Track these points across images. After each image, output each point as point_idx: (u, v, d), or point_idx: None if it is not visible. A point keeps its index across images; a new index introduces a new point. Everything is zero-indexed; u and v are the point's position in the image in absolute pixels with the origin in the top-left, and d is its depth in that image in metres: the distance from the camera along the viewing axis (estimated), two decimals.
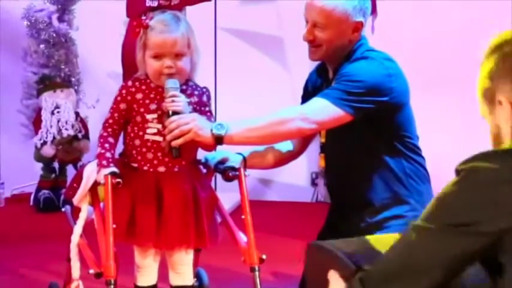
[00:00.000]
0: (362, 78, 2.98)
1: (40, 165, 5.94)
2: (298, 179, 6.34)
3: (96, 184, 3.01)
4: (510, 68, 1.84)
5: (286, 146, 3.33)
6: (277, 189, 6.48)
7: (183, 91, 3.02)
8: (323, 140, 3.30)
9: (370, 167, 3.12)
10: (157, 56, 2.99)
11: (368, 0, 3.15)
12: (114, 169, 2.91)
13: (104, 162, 2.94)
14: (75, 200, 3.09)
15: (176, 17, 3.06)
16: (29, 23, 5.86)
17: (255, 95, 6.09)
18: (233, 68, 6.39)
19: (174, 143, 2.88)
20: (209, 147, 3.01)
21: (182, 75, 3.02)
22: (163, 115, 2.95)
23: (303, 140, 3.37)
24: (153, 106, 3.00)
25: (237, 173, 3.06)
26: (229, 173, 3.07)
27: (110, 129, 3.04)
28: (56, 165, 5.93)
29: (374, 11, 4.87)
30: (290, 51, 6.29)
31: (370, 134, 3.08)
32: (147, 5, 5.10)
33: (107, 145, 3.00)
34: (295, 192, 6.38)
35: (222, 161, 3.15)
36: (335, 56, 3.13)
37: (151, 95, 3.02)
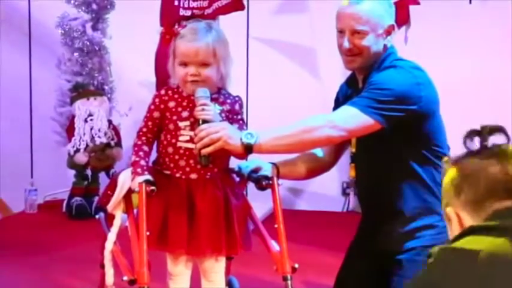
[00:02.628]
0: (391, 86, 2.98)
1: (73, 172, 5.99)
2: (328, 188, 6.34)
3: (130, 192, 3.04)
4: (455, 187, 1.98)
5: (318, 157, 3.34)
6: (307, 198, 6.48)
7: (215, 99, 3.05)
8: (353, 149, 3.29)
9: (399, 176, 3.12)
10: (183, 64, 3.03)
11: (393, 4, 3.16)
12: (149, 177, 2.94)
13: (139, 170, 2.97)
14: (109, 207, 3.12)
15: (208, 27, 3.08)
16: (63, 32, 5.92)
17: (287, 105, 6.10)
18: (265, 78, 6.41)
19: (204, 151, 2.89)
20: (240, 156, 3.02)
21: (208, 84, 3.03)
22: (195, 123, 2.96)
23: (335, 151, 3.37)
24: (185, 114, 3.03)
25: (270, 182, 3.08)
26: (262, 182, 3.07)
27: (144, 138, 3.07)
28: (88, 172, 5.97)
29: (407, 21, 4.87)
30: (322, 62, 6.30)
31: (399, 143, 3.08)
32: (181, 14, 5.14)
33: (141, 153, 3.03)
34: (326, 202, 6.38)
35: (255, 170, 3.16)
36: (371, 63, 3.13)
37: (184, 103, 3.05)
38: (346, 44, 3.09)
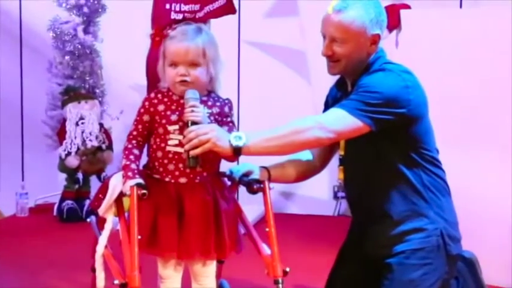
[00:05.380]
0: (379, 89, 2.99)
1: (64, 175, 5.98)
2: (320, 192, 6.35)
3: (121, 195, 3.04)
4: None
5: (308, 160, 3.35)
6: (299, 202, 6.48)
7: (204, 102, 3.06)
8: (342, 152, 3.31)
9: (388, 179, 3.13)
10: (172, 64, 3.04)
11: (384, 13, 3.16)
12: (140, 180, 2.94)
13: (130, 173, 2.97)
14: (101, 211, 3.12)
15: (198, 29, 3.10)
16: (54, 35, 5.90)
17: (277, 108, 6.10)
18: (256, 81, 6.42)
19: (192, 153, 2.89)
20: (230, 158, 3.02)
21: (197, 85, 3.04)
22: (184, 126, 2.96)
23: (325, 154, 3.38)
24: (174, 117, 3.03)
25: (262, 185, 3.08)
26: (254, 186, 3.07)
27: (134, 141, 3.08)
28: (79, 175, 5.96)
29: (398, 25, 4.88)
30: (312, 64, 6.32)
31: (387, 146, 3.09)
32: (172, 17, 5.13)
33: (132, 157, 3.04)
34: (317, 205, 6.39)
35: (247, 174, 3.17)
36: (354, 70, 3.14)
37: (173, 107, 3.05)
38: (324, 50, 3.12)
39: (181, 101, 3.02)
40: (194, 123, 2.92)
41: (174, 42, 3.05)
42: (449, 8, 5.60)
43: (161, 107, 3.06)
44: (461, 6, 5.90)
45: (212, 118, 3.06)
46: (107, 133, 6.00)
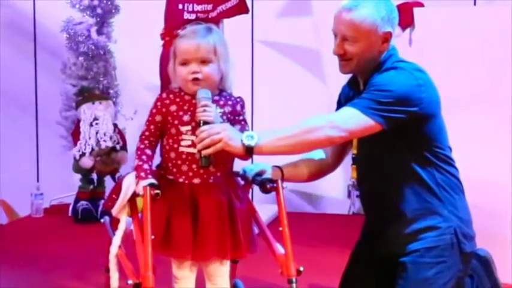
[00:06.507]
0: (391, 87, 2.98)
1: (78, 176, 5.99)
2: (334, 191, 6.34)
3: (135, 195, 3.04)
4: None
5: (321, 159, 3.34)
6: (313, 201, 6.48)
7: (216, 101, 3.05)
8: (355, 151, 3.30)
9: (401, 178, 3.12)
10: (184, 63, 3.04)
11: (395, 10, 3.15)
12: (153, 180, 2.95)
13: (142, 174, 2.97)
14: (114, 211, 3.12)
15: (207, 28, 3.10)
16: (68, 36, 5.91)
17: (291, 107, 6.10)
18: (270, 80, 6.41)
19: (205, 152, 2.90)
20: (243, 157, 3.01)
21: (209, 82, 3.04)
22: (197, 127, 2.96)
23: (338, 153, 3.38)
24: (186, 118, 3.03)
25: (275, 185, 3.07)
26: (267, 185, 3.07)
27: (146, 142, 3.08)
28: (94, 176, 5.97)
29: (411, 23, 4.87)
30: (326, 64, 6.31)
31: (400, 145, 3.08)
32: (185, 17, 5.13)
33: (144, 157, 3.04)
34: (331, 204, 6.38)
35: (260, 173, 3.17)
36: (365, 68, 3.14)
37: (185, 107, 3.05)
38: (335, 49, 3.12)
39: (194, 101, 3.02)
40: (206, 122, 2.92)
41: (184, 40, 3.05)
42: (463, 5, 5.58)
43: (173, 108, 3.06)
44: (475, 4, 5.88)
45: (224, 117, 3.06)
46: (121, 133, 6.00)
